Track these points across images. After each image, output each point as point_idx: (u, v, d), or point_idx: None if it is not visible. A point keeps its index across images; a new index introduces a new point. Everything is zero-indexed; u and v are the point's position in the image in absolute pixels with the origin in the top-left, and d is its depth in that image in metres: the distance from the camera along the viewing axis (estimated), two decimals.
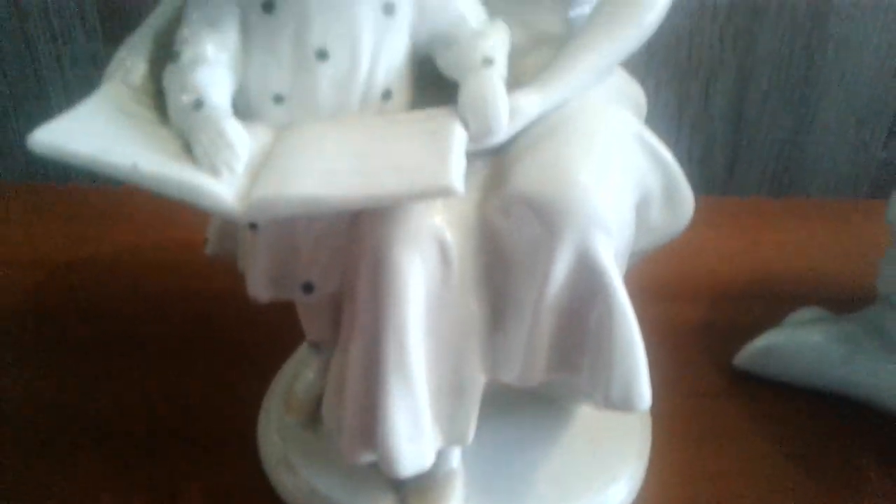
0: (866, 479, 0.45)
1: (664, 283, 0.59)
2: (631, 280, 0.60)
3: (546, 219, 0.32)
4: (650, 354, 0.53)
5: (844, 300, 0.53)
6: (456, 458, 0.40)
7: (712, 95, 0.78)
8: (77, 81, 0.76)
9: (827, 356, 0.48)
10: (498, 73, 0.33)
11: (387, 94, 0.34)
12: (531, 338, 0.34)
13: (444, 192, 0.29)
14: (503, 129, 0.33)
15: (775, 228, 0.66)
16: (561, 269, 0.33)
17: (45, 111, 0.77)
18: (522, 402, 0.44)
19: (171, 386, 0.50)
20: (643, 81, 0.76)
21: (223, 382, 0.49)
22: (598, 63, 0.35)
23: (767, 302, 0.56)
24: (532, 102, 0.33)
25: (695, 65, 0.76)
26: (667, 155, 0.37)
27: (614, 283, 0.33)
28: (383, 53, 0.33)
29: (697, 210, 0.65)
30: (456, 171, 0.29)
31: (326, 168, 0.30)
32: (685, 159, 0.81)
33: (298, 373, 0.46)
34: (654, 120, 0.78)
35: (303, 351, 0.48)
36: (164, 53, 0.34)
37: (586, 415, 0.45)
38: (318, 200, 0.29)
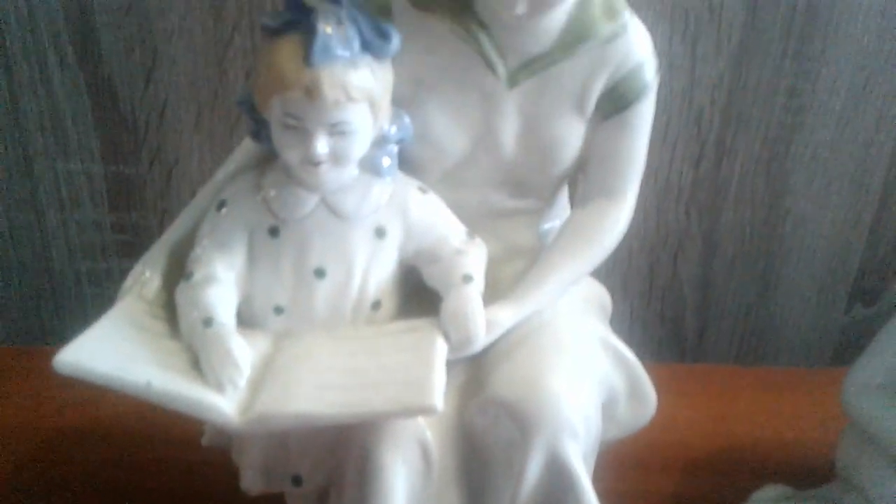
0: None
1: (636, 453, 0.61)
2: (601, 451, 0.63)
3: (520, 423, 0.35)
4: None
5: (808, 474, 0.56)
6: None
7: (681, 263, 0.83)
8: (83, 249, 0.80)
9: None
10: (476, 289, 0.37)
11: (376, 305, 0.38)
12: None
13: (428, 411, 0.32)
14: (481, 340, 0.36)
15: (743, 398, 0.69)
16: (533, 470, 0.36)
17: (50, 276, 0.81)
18: None
19: None
20: (615, 252, 0.81)
21: None
22: (564, 279, 0.39)
23: (734, 476, 0.58)
24: (506, 316, 0.37)
25: (663, 236, 0.81)
26: (630, 356, 0.41)
27: (583, 484, 0.36)
28: (374, 270, 0.37)
29: (670, 378, 0.69)
30: (438, 390, 0.33)
31: (319, 384, 0.33)
32: (658, 322, 0.85)
33: None
34: (628, 286, 0.82)
35: None
36: (178, 265, 0.38)
37: None
38: (310, 417, 0.32)
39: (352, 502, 0.36)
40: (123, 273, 0.38)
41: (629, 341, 0.85)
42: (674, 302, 0.84)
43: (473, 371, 0.38)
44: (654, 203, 0.80)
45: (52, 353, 0.72)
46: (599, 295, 0.44)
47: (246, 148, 0.40)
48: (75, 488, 0.57)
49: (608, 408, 0.40)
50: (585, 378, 0.37)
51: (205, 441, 0.42)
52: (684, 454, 0.61)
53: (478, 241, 0.40)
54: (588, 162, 0.41)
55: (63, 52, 0.71)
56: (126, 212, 0.78)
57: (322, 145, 0.35)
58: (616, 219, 0.40)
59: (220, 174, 0.40)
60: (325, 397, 0.33)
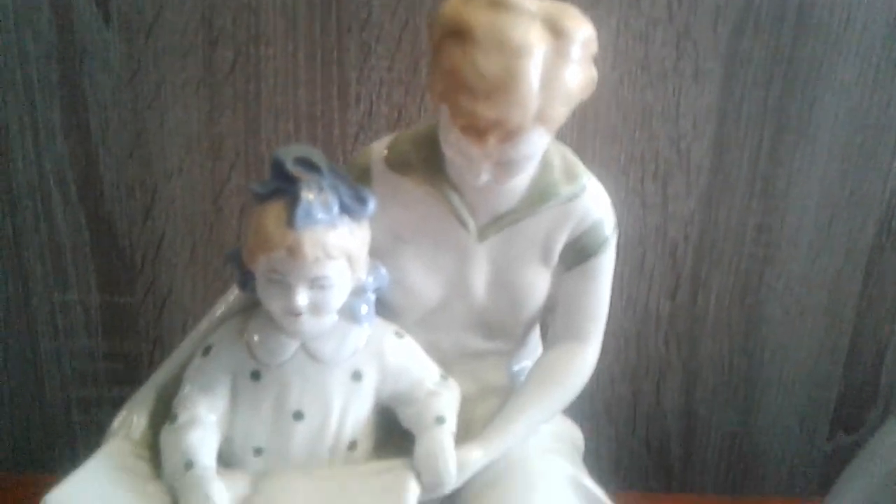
0: None
1: None
2: None
3: None
4: None
5: None
6: None
7: (663, 392, 0.84)
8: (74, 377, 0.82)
9: None
10: (448, 430, 0.39)
11: (353, 445, 0.39)
12: None
13: None
14: (452, 482, 0.38)
15: None
16: None
17: (41, 404, 0.82)
18: None
19: None
20: (598, 379, 0.83)
21: None
22: (533, 419, 0.41)
23: None
24: (477, 456, 0.39)
25: (644, 364, 0.83)
26: (601, 495, 0.42)
27: None
28: (351, 412, 0.39)
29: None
30: None
31: None
32: (644, 451, 0.86)
33: None
34: (612, 413, 0.84)
35: None
36: (164, 406, 0.40)
37: None
38: None
39: None
40: (113, 401, 0.40)
41: (616, 469, 0.86)
42: (658, 431, 0.85)
43: None
44: (634, 332, 0.82)
45: (41, 481, 0.73)
46: (571, 433, 0.45)
47: (233, 296, 0.43)
48: None
49: None
50: None
51: None
52: None
53: (451, 382, 0.42)
54: (555, 308, 0.43)
55: (66, 191, 0.75)
56: (119, 340, 0.80)
57: (303, 298, 0.37)
58: (583, 361, 0.43)
59: (206, 321, 0.42)
60: None
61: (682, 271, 0.80)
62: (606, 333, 0.81)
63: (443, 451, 0.38)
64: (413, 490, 0.37)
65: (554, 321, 0.44)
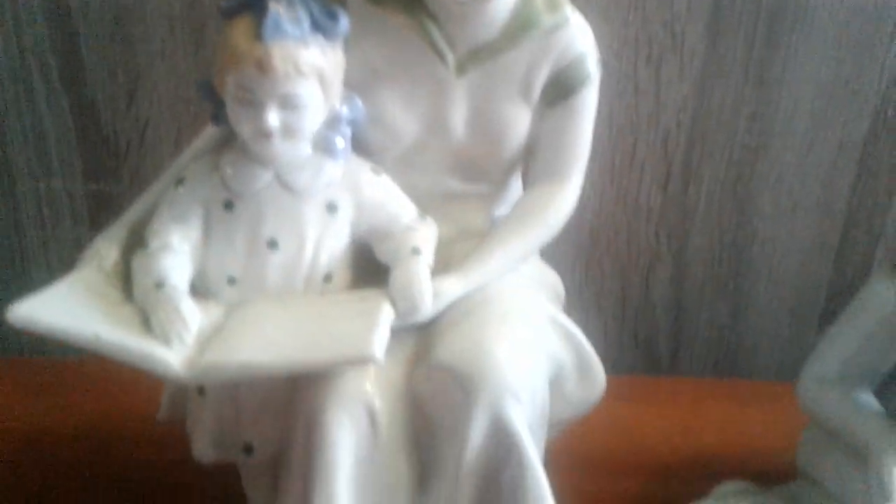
0: None
1: (604, 457, 0.62)
2: (573, 454, 0.63)
3: (464, 386, 0.36)
4: None
5: (772, 475, 0.56)
6: None
7: (652, 285, 0.84)
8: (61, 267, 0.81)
9: None
10: (424, 262, 0.39)
11: (328, 277, 0.39)
12: (454, 499, 0.37)
13: (366, 360, 0.33)
14: (427, 309, 0.38)
15: (712, 408, 0.70)
16: (477, 432, 0.36)
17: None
18: None
19: None
20: (587, 271, 0.82)
21: None
22: (510, 255, 0.41)
23: (700, 477, 0.58)
24: (452, 286, 0.39)
25: (634, 257, 0.82)
26: (579, 335, 0.42)
27: (526, 446, 0.37)
28: (326, 244, 0.39)
29: (641, 389, 0.69)
30: (379, 343, 0.34)
31: (265, 338, 0.34)
32: (632, 344, 0.86)
33: None
34: (602, 307, 0.84)
35: None
36: (137, 241, 0.39)
37: None
38: (253, 366, 0.33)
39: (299, 466, 0.36)
40: None
41: (604, 361, 0.86)
42: (647, 324, 0.85)
43: (422, 342, 0.39)
44: (625, 225, 0.81)
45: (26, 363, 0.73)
46: (552, 281, 0.45)
47: (207, 135, 0.42)
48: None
49: (557, 384, 0.41)
50: (530, 347, 0.38)
51: (160, 415, 0.42)
52: (653, 459, 0.62)
53: (429, 220, 0.41)
54: (535, 147, 0.42)
55: (49, 75, 0.73)
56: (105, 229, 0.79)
57: (273, 117, 0.36)
58: (563, 199, 0.42)
59: (180, 159, 0.42)
60: (270, 349, 0.34)
61: (673, 161, 0.79)
62: (596, 227, 0.82)
63: (418, 278, 0.38)
64: (387, 313, 0.36)
65: (534, 161, 0.43)
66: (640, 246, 0.82)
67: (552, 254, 0.81)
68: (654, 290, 0.84)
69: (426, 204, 0.42)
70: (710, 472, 0.61)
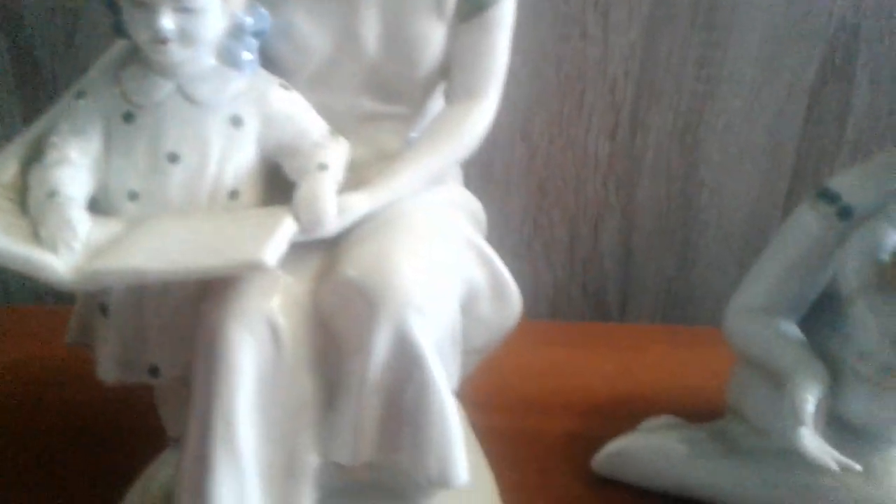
0: None
1: (541, 399, 0.62)
2: (510, 395, 0.63)
3: (368, 299, 0.36)
4: (518, 464, 0.55)
5: (706, 413, 0.56)
6: None
7: (601, 235, 0.84)
8: None
9: (670, 458, 0.50)
10: (331, 177, 0.38)
11: (234, 194, 0.38)
12: (358, 416, 0.37)
13: (256, 266, 0.33)
14: (331, 223, 0.37)
15: (654, 352, 0.70)
16: (380, 345, 0.36)
17: None
18: (373, 497, 0.46)
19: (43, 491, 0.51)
20: (536, 222, 0.82)
21: (92, 483, 0.50)
22: (422, 172, 0.40)
23: (635, 415, 0.59)
24: (359, 202, 0.38)
25: (582, 207, 0.82)
26: (494, 258, 0.42)
27: (429, 361, 0.36)
28: (230, 159, 0.38)
29: (583, 336, 0.69)
30: (272, 251, 0.33)
31: (157, 247, 0.34)
32: (581, 294, 0.86)
33: (158, 472, 0.47)
34: (551, 258, 0.83)
35: (166, 452, 0.50)
36: (37, 158, 0.38)
37: None
38: (141, 272, 0.33)
39: (200, 384, 0.36)
40: None
41: (553, 313, 0.86)
42: (596, 274, 0.85)
43: (329, 259, 0.38)
44: (573, 175, 0.81)
45: None
46: (474, 208, 0.45)
47: (114, 50, 0.41)
48: None
49: (470, 306, 0.41)
50: (439, 265, 0.38)
51: (68, 339, 0.42)
52: (589, 400, 0.62)
53: (340, 139, 0.40)
54: (451, 65, 0.42)
55: None
56: None
57: (167, 21, 0.36)
58: (478, 116, 0.41)
59: (87, 75, 0.41)
60: (160, 256, 0.33)
61: (621, 109, 0.78)
62: (545, 177, 0.81)
63: (322, 191, 0.37)
64: (287, 226, 0.36)
65: (450, 80, 0.43)
66: (588, 196, 0.82)
67: (500, 206, 0.81)
68: (603, 240, 0.84)
69: (341, 125, 0.41)
70: (645, 411, 0.61)
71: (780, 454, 0.44)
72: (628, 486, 0.52)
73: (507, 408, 0.59)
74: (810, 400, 0.42)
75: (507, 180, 0.80)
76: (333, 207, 0.37)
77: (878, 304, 0.42)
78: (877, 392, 0.43)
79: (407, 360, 0.36)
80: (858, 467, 0.41)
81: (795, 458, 0.43)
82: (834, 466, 0.41)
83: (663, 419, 0.54)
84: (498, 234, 0.82)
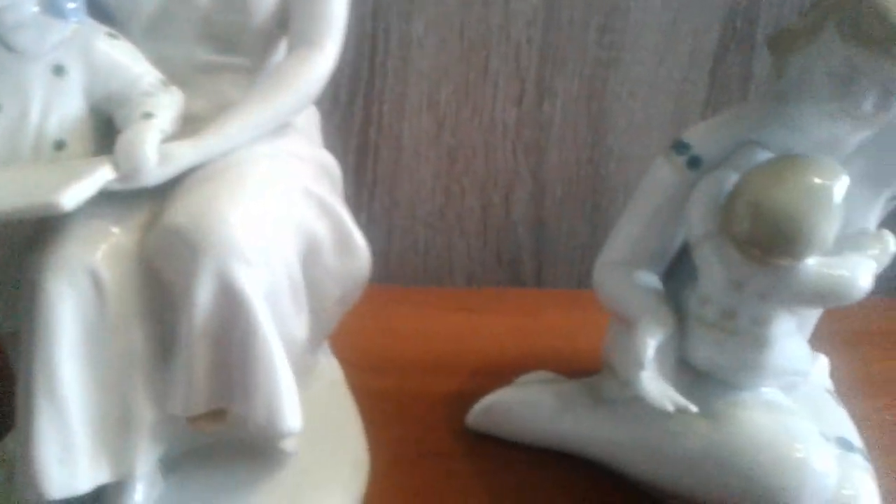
0: None
1: (430, 360, 0.62)
2: (400, 357, 0.63)
3: (191, 247, 0.36)
4: (397, 423, 0.55)
5: (590, 373, 0.57)
6: (138, 495, 0.41)
7: (513, 204, 0.84)
8: None
9: (540, 411, 0.51)
10: (155, 126, 0.38)
11: (60, 145, 0.38)
12: (189, 366, 0.37)
13: (52, 209, 0.33)
14: (151, 171, 0.37)
15: (549, 316, 0.70)
16: (204, 295, 0.36)
17: None
18: (233, 451, 0.46)
19: None
20: (448, 192, 0.82)
21: None
22: (253, 121, 0.40)
23: (521, 373, 0.59)
24: (183, 151, 0.38)
25: (493, 175, 0.82)
26: (337, 207, 0.42)
27: (255, 310, 0.36)
28: (54, 109, 0.38)
29: (487, 301, 0.70)
30: (72, 194, 0.33)
31: None
32: (496, 263, 0.87)
33: None
34: (463, 226, 0.83)
35: None
36: None
37: (295, 464, 0.46)
38: None
39: (25, 336, 0.36)
40: None
41: (468, 282, 0.86)
42: (509, 243, 0.86)
43: (157, 209, 0.38)
44: (482, 143, 0.81)
45: None
46: (325, 162, 0.45)
47: None
48: None
49: (313, 255, 0.41)
50: (269, 212, 0.38)
51: None
52: (477, 360, 0.62)
53: (173, 89, 0.40)
54: (289, 15, 0.42)
55: None
56: None
57: None
58: (315, 65, 0.41)
59: None
60: None
61: (526, 76, 0.78)
62: (454, 146, 0.81)
63: (142, 139, 0.37)
64: (102, 173, 0.36)
65: (290, 29, 0.43)
66: (498, 164, 0.82)
67: (411, 174, 0.81)
68: (515, 208, 0.84)
69: (180, 77, 0.41)
70: (531, 369, 0.61)
71: (639, 403, 0.44)
72: (501, 441, 0.53)
73: (396, 370, 0.60)
74: (651, 344, 0.42)
75: (415, 150, 0.80)
76: (154, 155, 0.37)
77: (718, 249, 0.42)
78: (718, 337, 0.43)
79: (232, 309, 0.36)
80: (694, 409, 0.41)
81: (648, 406, 0.43)
82: (670, 408, 0.41)
83: (537, 374, 0.55)
84: (410, 205, 0.83)
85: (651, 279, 0.48)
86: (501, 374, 0.60)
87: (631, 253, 0.49)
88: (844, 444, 0.45)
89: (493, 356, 0.63)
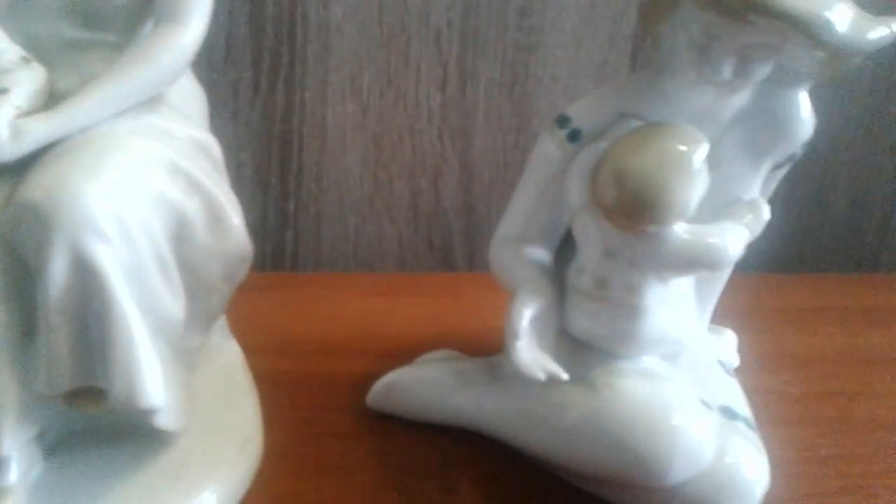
0: (462, 499, 0.48)
1: (340, 343, 0.62)
2: (309, 340, 0.63)
3: (44, 221, 0.36)
4: (298, 404, 0.55)
5: (497, 351, 0.57)
6: (13, 475, 0.41)
7: (441, 189, 0.84)
8: None
9: (438, 389, 0.51)
10: (8, 102, 0.37)
11: None
12: (49, 344, 0.37)
13: None
14: (4, 146, 0.37)
15: (468, 298, 0.71)
16: (57, 271, 0.36)
17: None
18: (119, 431, 0.45)
19: None
20: (376, 179, 0.82)
21: None
22: (112, 95, 0.40)
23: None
24: (37, 125, 0.38)
25: (420, 161, 0.83)
26: (207, 184, 0.42)
27: (111, 285, 0.36)
28: None
29: (406, 283, 0.70)
30: None
31: None
32: (427, 249, 0.87)
33: None
34: (393, 213, 0.84)
35: None
36: None
37: (181, 443, 0.46)
38: None
39: None
40: None
41: (401, 270, 0.86)
42: (440, 228, 0.86)
43: (15, 186, 0.38)
44: (407, 128, 0.81)
45: None
46: (200, 140, 0.44)
47: None
48: None
49: (183, 231, 0.41)
50: (128, 187, 0.38)
51: None
52: (389, 342, 0.62)
53: (34, 65, 0.40)
54: None
55: None
56: None
57: None
58: (178, 41, 0.41)
59: None
60: None
61: (448, 61, 0.79)
62: (379, 132, 0.81)
63: None
64: None
65: (154, 5, 0.42)
66: (425, 150, 0.82)
67: (337, 162, 0.81)
68: (444, 194, 0.84)
69: (48, 55, 0.41)
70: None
71: (524, 376, 0.45)
72: (400, 419, 0.53)
73: (303, 353, 0.60)
74: (525, 314, 0.43)
75: (341, 137, 0.80)
76: (5, 131, 0.37)
77: (592, 219, 0.43)
78: (592, 306, 0.44)
79: (88, 285, 0.36)
80: (565, 376, 0.42)
81: (530, 378, 0.44)
82: (542, 376, 0.42)
83: (440, 353, 0.55)
84: (338, 192, 0.83)
85: (540, 253, 0.48)
86: (412, 355, 0.60)
87: (523, 227, 0.49)
88: (728, 413, 0.45)
89: (407, 338, 0.63)
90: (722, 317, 0.62)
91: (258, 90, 0.77)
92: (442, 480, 0.49)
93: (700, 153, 0.40)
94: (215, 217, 0.42)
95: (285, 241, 0.84)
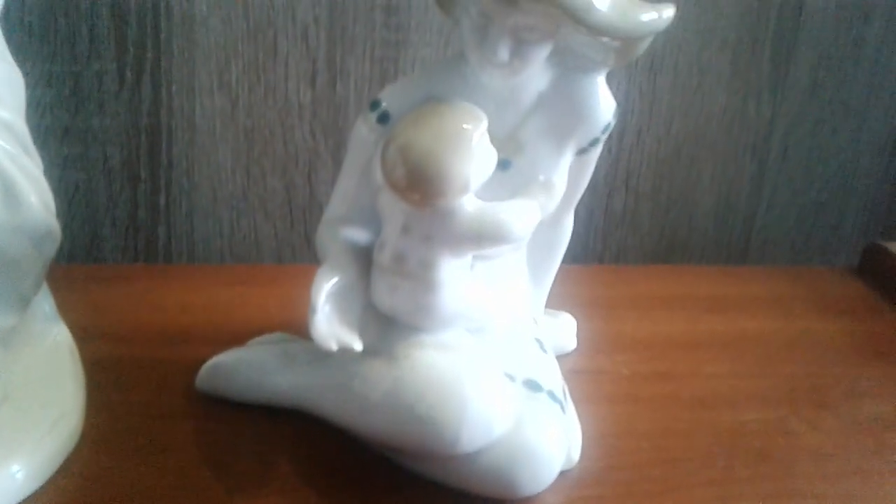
0: (278, 477, 0.48)
1: (182, 331, 0.62)
2: (149, 329, 0.63)
3: None
4: (130, 389, 0.55)
5: None
6: None
7: (315, 185, 0.85)
8: None
9: (263, 370, 0.52)
10: None
11: None
12: None
13: None
14: None
15: None
16: None
17: None
18: None
19: None
20: (249, 174, 0.82)
21: None
22: None
23: None
24: None
25: (293, 156, 0.83)
26: (36, 174, 0.42)
27: None
28: None
29: (264, 274, 0.69)
30: None
31: None
32: (304, 243, 0.87)
33: None
34: (268, 209, 0.84)
35: None
36: None
37: None
38: None
39: None
40: None
41: (279, 264, 0.86)
42: (315, 223, 0.86)
43: None
44: (279, 123, 0.82)
45: None
46: (4, 118, 0.44)
47: None
48: None
49: None
50: None
51: None
52: (237, 329, 0.62)
53: None
54: None
55: None
56: None
57: None
58: None
59: None
60: None
61: (317, 56, 0.80)
62: (250, 127, 0.81)
63: None
64: None
65: None
66: (297, 145, 0.83)
67: (208, 156, 0.81)
68: (318, 189, 0.85)
69: None
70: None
71: (341, 352, 0.45)
72: (228, 401, 0.53)
73: (138, 340, 0.60)
74: (323, 289, 0.44)
75: (211, 131, 0.80)
76: None
77: (389, 196, 0.44)
78: (392, 281, 0.45)
79: None
80: (358, 347, 0.43)
81: (342, 353, 0.45)
82: (333, 347, 0.43)
83: (271, 336, 0.56)
84: (210, 187, 0.83)
85: (362, 234, 0.49)
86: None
87: (347, 210, 0.50)
88: (532, 386, 0.47)
89: (251, 326, 0.64)
90: (570, 304, 0.64)
91: (124, 82, 0.77)
92: (259, 458, 0.50)
93: (478, 129, 0.42)
94: (8, 192, 0.42)
95: (157, 235, 0.84)
